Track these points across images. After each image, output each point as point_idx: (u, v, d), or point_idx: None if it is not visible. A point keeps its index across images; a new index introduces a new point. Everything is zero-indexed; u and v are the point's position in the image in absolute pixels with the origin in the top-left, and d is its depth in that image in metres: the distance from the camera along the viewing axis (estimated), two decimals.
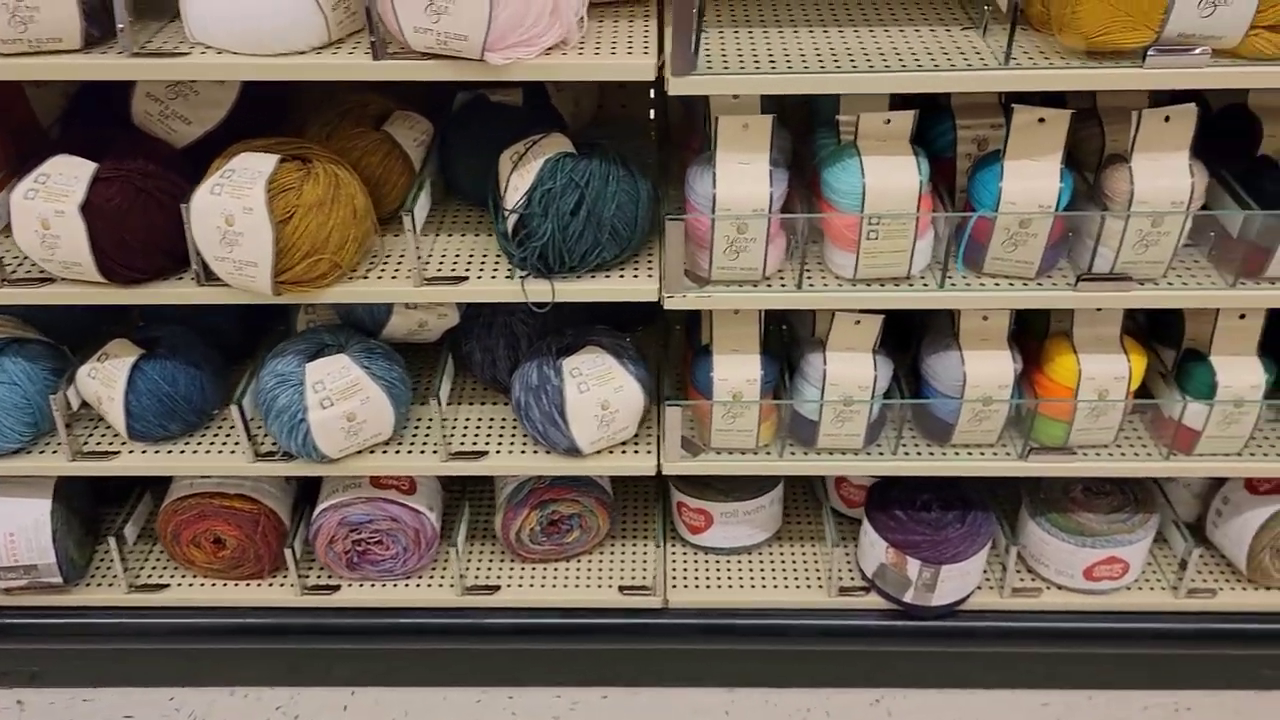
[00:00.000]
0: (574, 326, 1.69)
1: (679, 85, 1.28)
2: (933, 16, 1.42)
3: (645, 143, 1.75)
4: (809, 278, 1.51)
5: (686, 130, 1.69)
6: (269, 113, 1.58)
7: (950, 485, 1.85)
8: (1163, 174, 1.39)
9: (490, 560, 1.92)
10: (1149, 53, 1.26)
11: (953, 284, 1.49)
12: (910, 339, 1.77)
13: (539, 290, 1.46)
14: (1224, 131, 1.53)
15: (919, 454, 1.70)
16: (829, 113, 1.52)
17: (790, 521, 2.01)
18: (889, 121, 1.39)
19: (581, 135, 1.48)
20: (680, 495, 1.90)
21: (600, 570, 1.90)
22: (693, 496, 1.88)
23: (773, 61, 1.31)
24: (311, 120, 1.56)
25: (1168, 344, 1.70)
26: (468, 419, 1.77)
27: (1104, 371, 1.59)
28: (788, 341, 1.75)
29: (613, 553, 1.93)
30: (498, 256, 1.53)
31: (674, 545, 1.96)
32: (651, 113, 1.81)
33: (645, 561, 1.90)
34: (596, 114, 1.82)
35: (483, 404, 1.79)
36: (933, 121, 1.57)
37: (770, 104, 1.59)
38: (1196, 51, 1.25)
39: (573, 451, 1.64)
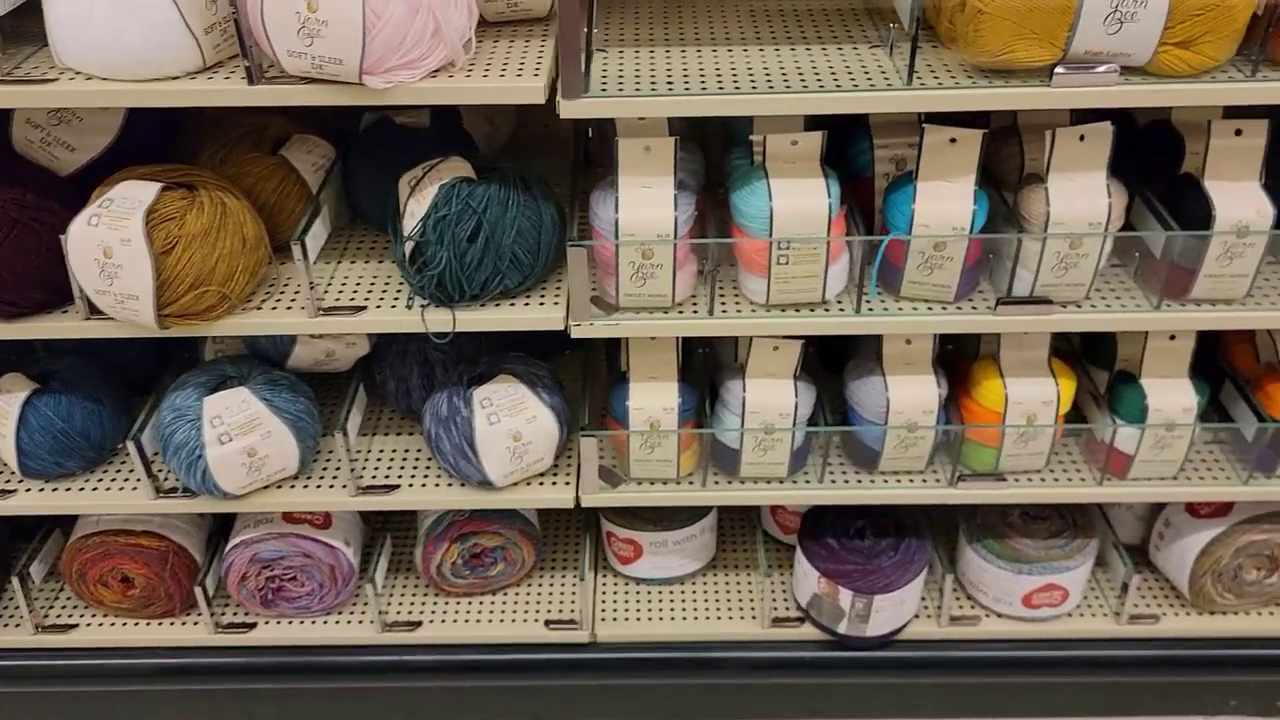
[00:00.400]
0: (490, 354, 1.63)
1: (570, 109, 1.23)
2: (843, 35, 1.37)
3: (562, 164, 1.69)
4: (722, 303, 1.46)
5: (604, 151, 1.64)
6: (161, 138, 1.52)
7: (885, 512, 1.80)
8: (1080, 194, 1.34)
9: (413, 595, 1.86)
10: (1056, 70, 1.21)
11: (869, 309, 1.44)
12: (843, 363, 1.72)
13: (439, 320, 1.40)
14: (1148, 149, 1.49)
15: (847, 481, 1.64)
16: (745, 132, 1.47)
17: (726, 550, 1.96)
18: (796, 143, 1.34)
19: (484, 159, 1.42)
20: (609, 525, 1.84)
21: (526, 604, 1.84)
22: (621, 526, 1.83)
23: (670, 83, 1.26)
24: (207, 145, 1.51)
25: (1101, 366, 1.66)
26: (381, 451, 1.71)
27: (1031, 395, 1.54)
28: (714, 368, 1.70)
29: (540, 586, 1.87)
30: (400, 284, 1.47)
31: (605, 577, 1.90)
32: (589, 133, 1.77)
33: (574, 594, 1.85)
34: (516, 134, 1.77)
35: (398, 434, 1.73)
36: (852, 140, 1.52)
37: (688, 124, 1.56)
38: (1103, 69, 1.21)
39: (485, 484, 1.58)
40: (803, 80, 1.26)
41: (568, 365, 1.80)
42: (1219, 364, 1.69)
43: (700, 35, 1.38)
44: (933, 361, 1.56)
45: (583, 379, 1.69)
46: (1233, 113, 1.37)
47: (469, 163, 1.40)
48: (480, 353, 1.64)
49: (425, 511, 1.80)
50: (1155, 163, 1.47)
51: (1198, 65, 1.21)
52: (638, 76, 1.28)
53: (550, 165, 1.63)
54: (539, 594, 1.86)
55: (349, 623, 1.81)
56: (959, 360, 1.65)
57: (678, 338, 1.55)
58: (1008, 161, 1.46)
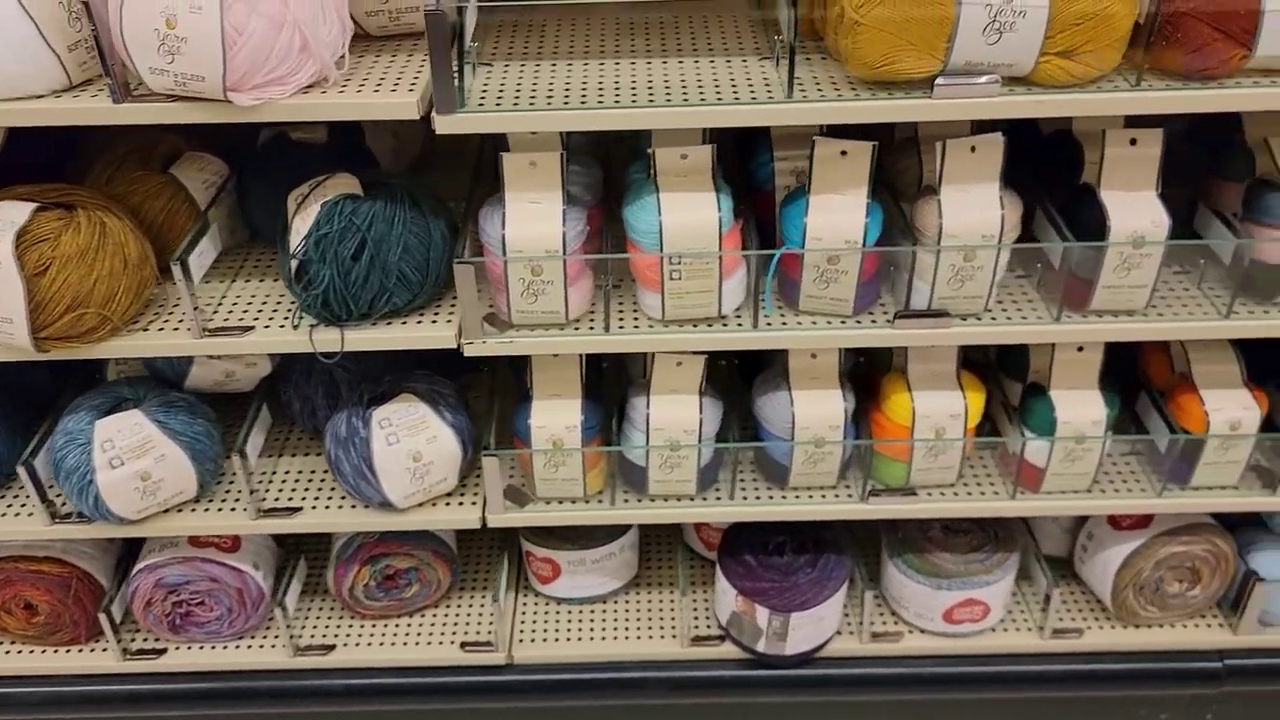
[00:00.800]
0: (393, 373, 1.60)
1: (445, 124, 1.20)
2: (737, 48, 1.35)
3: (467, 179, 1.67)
4: (620, 319, 1.43)
5: None
6: (51, 156, 1.49)
7: (805, 528, 1.78)
8: (972, 206, 1.33)
9: (328, 618, 1.82)
10: (937, 81, 1.19)
11: (768, 324, 1.42)
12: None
13: (328, 339, 1.38)
14: (1051, 159, 1.48)
15: (758, 498, 1.62)
16: (646, 146, 1.45)
17: (650, 567, 1.93)
18: (685, 156, 1.32)
19: (374, 175, 1.40)
20: (528, 545, 1.81)
21: (443, 626, 1.81)
22: (539, 545, 1.80)
23: (550, 97, 1.24)
24: (97, 162, 1.48)
25: (1015, 378, 1.64)
26: (287, 472, 1.68)
27: (938, 409, 1.52)
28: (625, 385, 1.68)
29: (458, 607, 1.84)
30: (291, 304, 1.44)
31: (525, 597, 1.87)
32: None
33: (493, 616, 1.81)
34: (428, 149, 1.74)
35: (305, 455, 1.70)
36: (755, 152, 1.51)
37: (590, 139, 1.54)
38: (984, 80, 1.19)
39: (387, 506, 1.55)
40: (685, 94, 1.24)
41: (484, 383, 1.78)
42: (1136, 375, 1.68)
43: (594, 49, 1.36)
44: (840, 376, 1.54)
45: (490, 397, 1.66)
46: (1135, 121, 1.36)
47: (357, 179, 1.37)
48: (386, 371, 1.61)
49: (338, 534, 1.77)
50: (1057, 173, 1.45)
51: (1081, 75, 1.20)
52: (520, 90, 1.25)
53: (460, 180, 1.61)
54: (456, 615, 1.83)
55: (261, 647, 1.78)
56: (874, 374, 1.63)
57: (581, 355, 1.52)
58: (907, 174, 1.45)
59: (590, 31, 1.40)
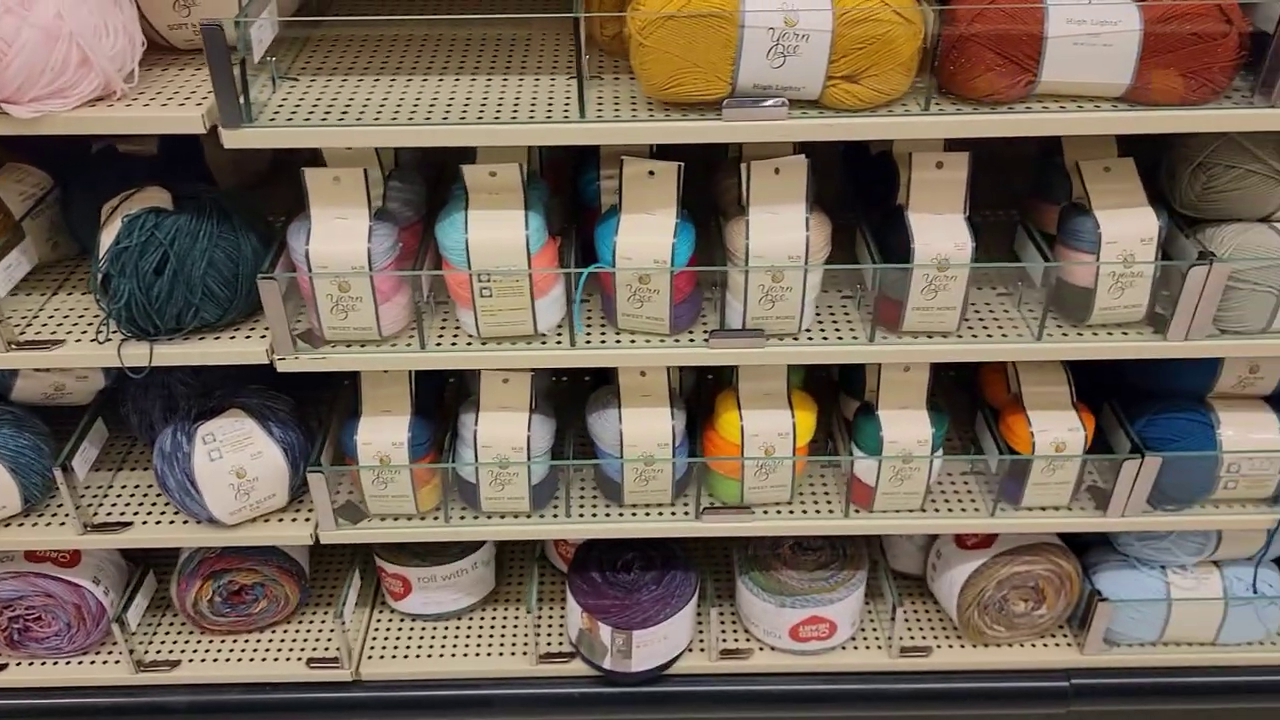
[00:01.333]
0: (226, 387, 1.59)
1: (232, 138, 1.20)
2: (549, 67, 1.35)
3: None
4: (440, 336, 1.43)
5: None
6: None
7: (655, 545, 1.78)
8: (779, 227, 1.33)
9: (175, 634, 1.80)
10: (725, 104, 1.20)
11: (587, 342, 1.42)
12: None
13: (138, 354, 1.36)
14: (873, 180, 1.49)
15: (595, 515, 1.62)
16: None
17: (509, 583, 1.92)
18: (494, 174, 1.32)
19: (187, 188, 1.39)
20: (380, 561, 1.80)
21: (291, 642, 1.79)
22: (390, 561, 1.79)
23: (345, 111, 1.24)
24: None
25: (855, 397, 1.64)
26: (124, 486, 1.66)
27: (767, 427, 1.52)
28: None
29: (309, 623, 1.82)
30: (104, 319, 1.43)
31: (380, 613, 1.86)
32: None
33: (346, 630, 1.80)
34: (273, 163, 1.73)
35: (145, 469, 1.69)
36: (584, 170, 1.51)
37: (419, 155, 1.53)
38: (771, 103, 1.19)
39: (212, 521, 1.54)
40: (482, 111, 1.24)
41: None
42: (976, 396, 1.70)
43: (411, 66, 1.35)
44: (671, 394, 1.54)
45: (327, 413, 1.64)
46: (955, 145, 1.37)
47: (168, 193, 1.36)
48: (225, 386, 1.60)
49: (184, 548, 1.76)
50: (878, 194, 1.46)
51: (869, 99, 1.21)
52: (321, 106, 1.25)
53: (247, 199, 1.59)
54: (306, 632, 1.81)
55: (104, 663, 1.75)
56: (716, 391, 1.64)
57: (410, 372, 1.52)
58: (727, 194, 1.45)
59: (413, 49, 1.40)
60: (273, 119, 1.22)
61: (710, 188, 1.48)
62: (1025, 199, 1.54)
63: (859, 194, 1.50)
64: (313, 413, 1.66)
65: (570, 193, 1.56)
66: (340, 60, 1.37)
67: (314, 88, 1.29)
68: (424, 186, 1.46)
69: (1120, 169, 1.39)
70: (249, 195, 1.66)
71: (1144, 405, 1.61)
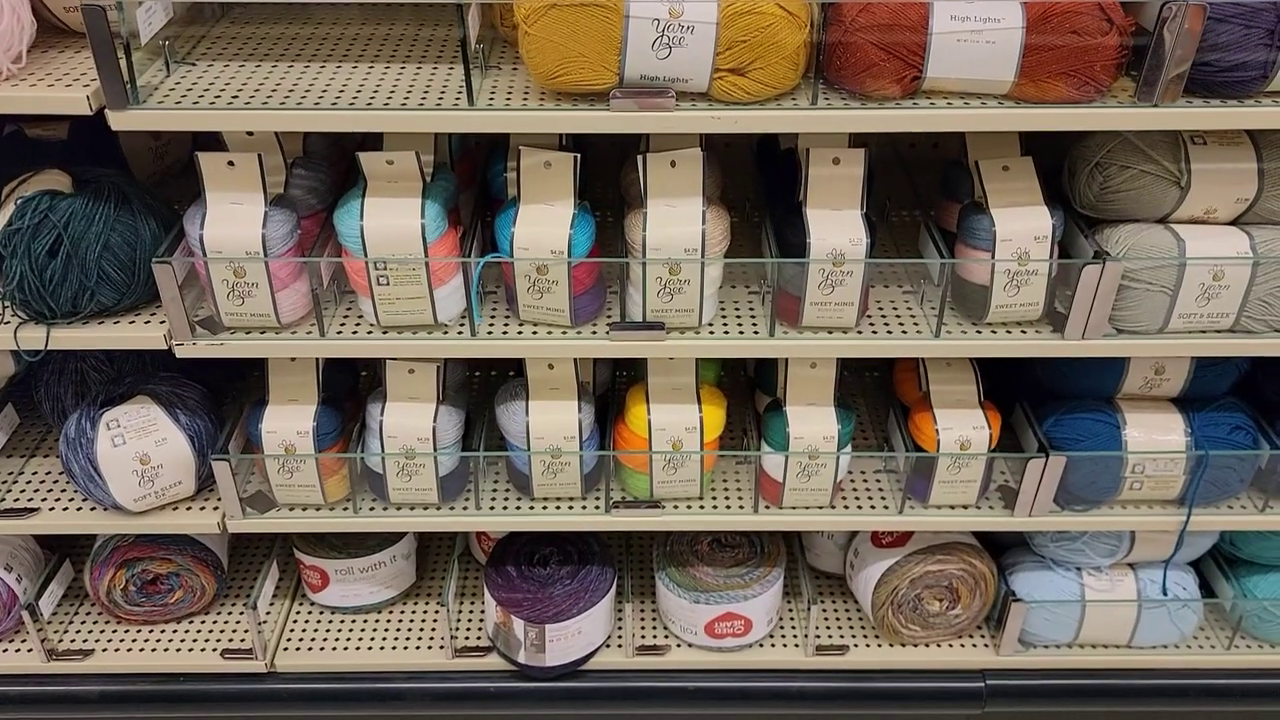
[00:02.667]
0: (135, 373, 1.59)
1: (119, 120, 1.20)
2: (448, 57, 1.35)
3: None
4: (341, 325, 1.43)
5: None
6: None
7: (572, 539, 1.78)
8: (675, 220, 1.34)
9: (92, 623, 1.79)
10: (612, 94, 1.21)
11: (489, 332, 1.42)
12: None
13: (33, 338, 1.36)
14: (780, 176, 1.49)
15: (505, 508, 1.62)
16: None
17: (431, 576, 1.92)
18: (391, 162, 1.32)
19: (88, 171, 1.39)
20: (298, 552, 1.80)
21: (207, 632, 1.79)
22: (307, 553, 1.78)
23: (235, 96, 1.24)
24: None
25: (767, 393, 1.65)
26: (34, 473, 1.66)
27: (674, 422, 1.53)
28: None
29: (226, 614, 1.82)
30: (5, 302, 1.43)
31: (300, 605, 1.86)
32: None
33: (262, 622, 1.80)
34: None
35: (56, 456, 1.68)
36: (493, 162, 1.51)
37: (328, 141, 1.53)
38: (658, 95, 1.20)
39: (117, 508, 1.53)
40: (374, 98, 1.24)
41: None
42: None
43: (312, 54, 1.36)
44: (579, 386, 1.54)
45: (236, 402, 1.64)
46: (859, 141, 1.38)
47: (67, 176, 1.37)
48: (140, 372, 1.60)
49: (100, 536, 1.75)
50: (783, 190, 1.47)
51: (757, 92, 1.21)
52: (221, 90, 1.25)
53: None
54: (223, 622, 1.80)
55: (17, 651, 1.75)
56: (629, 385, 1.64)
57: (317, 361, 1.52)
58: (633, 188, 1.46)
59: (317, 43, 1.40)
60: (161, 102, 1.22)
61: (618, 181, 1.49)
62: (932, 201, 1.55)
63: (768, 190, 1.50)
64: (232, 403, 1.66)
65: (482, 185, 1.56)
66: (241, 49, 1.37)
67: (210, 73, 1.30)
68: (330, 175, 1.46)
69: (1019, 168, 1.40)
70: (170, 185, 1.67)
71: (1052, 405, 1.62)
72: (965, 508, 1.62)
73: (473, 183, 1.56)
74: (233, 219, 1.32)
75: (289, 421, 1.51)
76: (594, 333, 1.42)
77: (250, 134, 1.36)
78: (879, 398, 1.81)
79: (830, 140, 1.38)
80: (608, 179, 1.56)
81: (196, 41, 1.37)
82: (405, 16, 1.45)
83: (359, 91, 1.26)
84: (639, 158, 1.32)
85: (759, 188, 1.60)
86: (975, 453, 1.53)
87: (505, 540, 1.80)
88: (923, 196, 1.60)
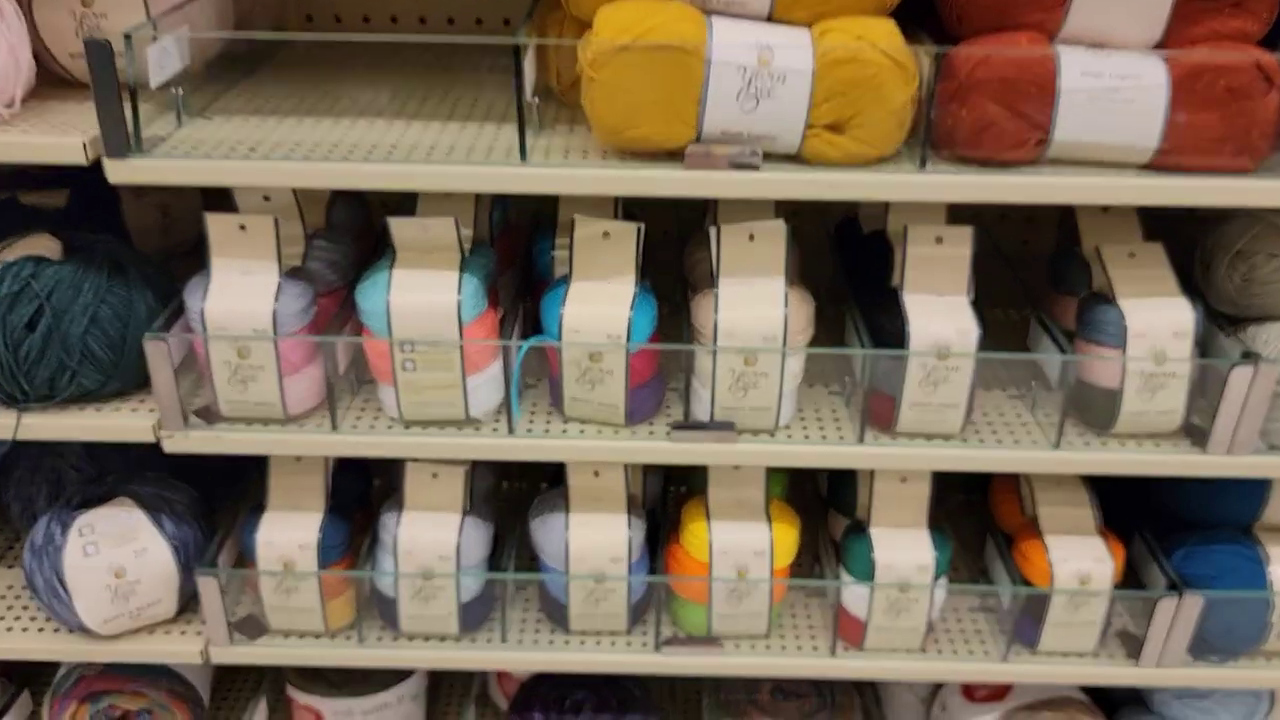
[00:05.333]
0: (119, 473, 1.39)
1: (117, 171, 1.04)
2: (497, 116, 1.20)
3: None
4: (357, 419, 1.24)
5: None
6: None
7: (612, 683, 1.53)
8: (751, 301, 1.15)
9: None
10: (688, 150, 1.04)
11: (529, 430, 1.22)
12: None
13: (1, 425, 1.17)
14: (866, 261, 1.31)
15: (535, 643, 1.38)
16: None
17: (445, 717, 1.66)
18: (427, 230, 1.15)
19: (80, 237, 1.22)
20: (290, 689, 1.55)
21: None
22: (301, 690, 1.53)
23: (252, 150, 1.07)
24: None
25: (845, 513, 1.43)
26: None
27: (741, 543, 1.30)
28: None
29: None
30: None
31: None
32: None
33: None
34: None
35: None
36: (538, 238, 1.34)
37: (356, 215, 1.37)
38: (736, 151, 1.03)
39: (83, 630, 1.31)
40: (409, 153, 1.08)
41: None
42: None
43: (344, 110, 1.21)
44: (629, 499, 1.32)
45: (232, 508, 1.43)
46: (957, 221, 1.20)
47: (57, 241, 1.20)
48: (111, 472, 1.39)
49: (64, 664, 1.51)
50: (870, 276, 1.29)
51: (857, 153, 1.04)
52: (230, 142, 1.09)
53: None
54: None
55: None
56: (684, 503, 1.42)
57: (327, 460, 1.32)
58: (699, 267, 1.28)
59: (352, 98, 1.26)
60: (169, 154, 1.06)
61: (683, 262, 1.31)
62: (1040, 296, 1.36)
63: (851, 279, 1.32)
64: (227, 511, 1.45)
65: (524, 267, 1.39)
66: (266, 104, 1.22)
67: (228, 126, 1.14)
68: (354, 251, 1.29)
69: (1147, 255, 1.22)
70: (176, 264, 1.51)
71: (1180, 537, 1.38)
72: (1080, 656, 1.37)
73: (513, 264, 1.39)
74: (241, 291, 1.14)
75: (290, 532, 1.29)
76: (651, 434, 1.22)
77: (267, 199, 1.21)
78: (970, 525, 1.58)
79: (929, 219, 1.21)
80: (662, 266, 1.39)
81: (216, 96, 1.22)
82: (460, 65, 1.30)
83: (394, 147, 1.10)
84: (711, 230, 1.15)
85: (836, 279, 1.42)
86: (1098, 589, 1.29)
87: (531, 683, 1.55)
88: (1014, 295, 1.41)
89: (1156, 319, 1.17)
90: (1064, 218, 1.59)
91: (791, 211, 1.19)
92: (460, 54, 1.39)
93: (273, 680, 1.60)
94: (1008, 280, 1.43)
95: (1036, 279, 1.39)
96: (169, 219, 1.51)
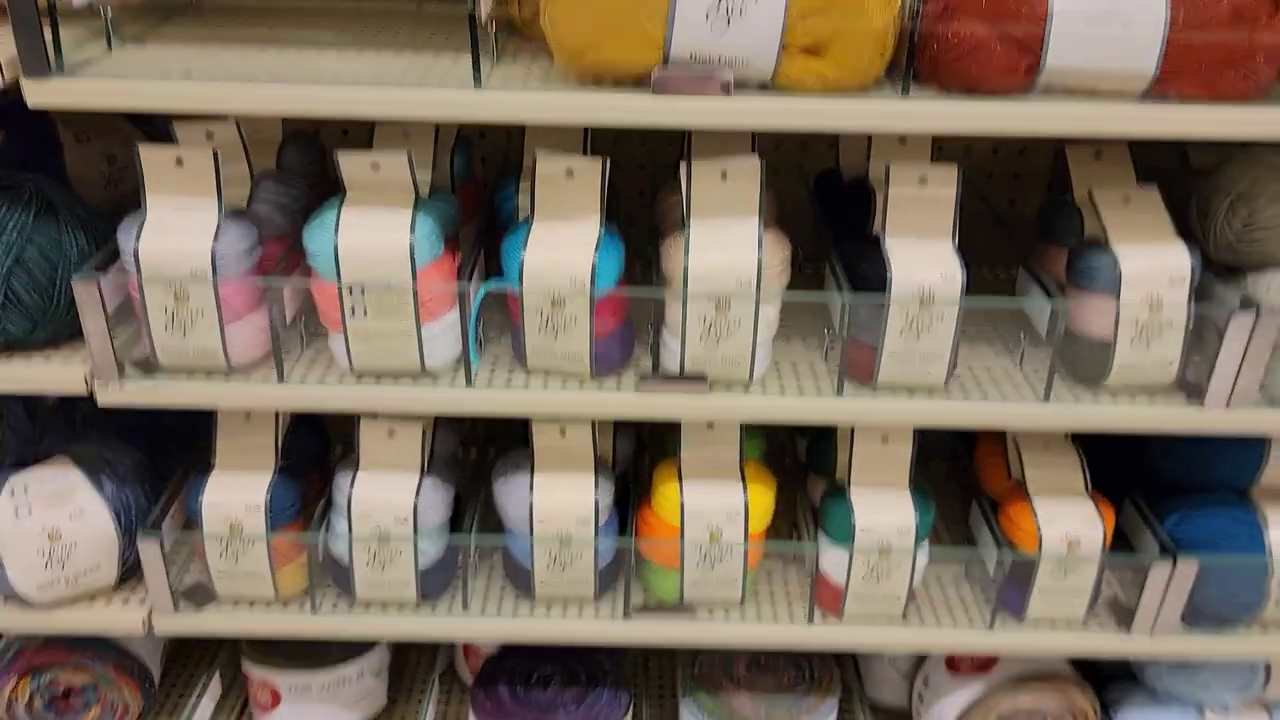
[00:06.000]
0: (56, 430, 1.31)
1: (36, 92, 0.96)
2: (453, 47, 1.12)
3: None
4: (306, 371, 1.16)
5: None
6: None
7: (580, 654, 1.46)
8: (724, 244, 1.08)
9: None
10: (655, 72, 0.97)
11: (489, 383, 1.15)
12: None
13: None
14: (847, 210, 1.25)
15: (498, 612, 1.31)
16: None
17: (408, 697, 1.59)
18: (378, 166, 1.08)
19: (8, 175, 1.15)
20: (245, 662, 1.48)
21: None
22: (255, 664, 1.46)
23: (209, 75, 1.00)
24: None
25: (823, 475, 1.36)
26: None
27: (714, 505, 1.23)
28: None
29: None
30: None
31: None
32: None
33: None
34: None
35: None
36: (501, 186, 1.27)
37: (312, 156, 1.30)
38: (707, 76, 0.96)
39: (15, 598, 1.23)
40: (356, 79, 1.00)
41: None
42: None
43: (288, 39, 1.13)
44: (598, 460, 1.26)
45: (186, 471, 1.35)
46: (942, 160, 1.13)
47: None
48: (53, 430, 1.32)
49: (3, 636, 1.44)
50: (851, 226, 1.22)
51: (835, 79, 0.97)
52: (164, 67, 1.01)
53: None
54: None
55: None
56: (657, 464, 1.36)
57: (277, 415, 1.24)
58: (671, 213, 1.21)
59: (313, 26, 1.18)
60: (95, 76, 0.98)
61: (654, 209, 1.24)
62: (1028, 250, 1.29)
63: (832, 231, 1.25)
64: (181, 476, 1.37)
65: (489, 219, 1.32)
66: (208, 33, 1.14)
67: (164, 52, 1.06)
68: (305, 195, 1.21)
69: (1142, 199, 1.15)
70: (121, 217, 1.43)
71: (1173, 501, 1.32)
72: (1069, 625, 1.31)
73: (476, 215, 1.32)
74: (177, 229, 1.06)
75: (237, 492, 1.22)
76: (619, 386, 1.15)
77: (210, 134, 1.13)
78: (954, 493, 1.51)
79: (912, 155, 1.15)
80: (634, 214, 1.32)
81: (152, 27, 1.15)
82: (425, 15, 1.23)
83: (340, 74, 1.02)
84: (681, 168, 1.08)
85: (815, 232, 1.35)
86: (1088, 554, 1.23)
87: (497, 656, 1.48)
88: (1012, 249, 1.35)
89: (1152, 265, 1.10)
90: (1053, 175, 1.53)
91: (771, 170, 1.12)
92: None
93: (230, 654, 1.52)
94: (994, 239, 1.37)
95: (1025, 240, 1.32)
96: (115, 168, 1.43)
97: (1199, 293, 1.14)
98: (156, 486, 1.31)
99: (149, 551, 1.22)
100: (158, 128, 1.34)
